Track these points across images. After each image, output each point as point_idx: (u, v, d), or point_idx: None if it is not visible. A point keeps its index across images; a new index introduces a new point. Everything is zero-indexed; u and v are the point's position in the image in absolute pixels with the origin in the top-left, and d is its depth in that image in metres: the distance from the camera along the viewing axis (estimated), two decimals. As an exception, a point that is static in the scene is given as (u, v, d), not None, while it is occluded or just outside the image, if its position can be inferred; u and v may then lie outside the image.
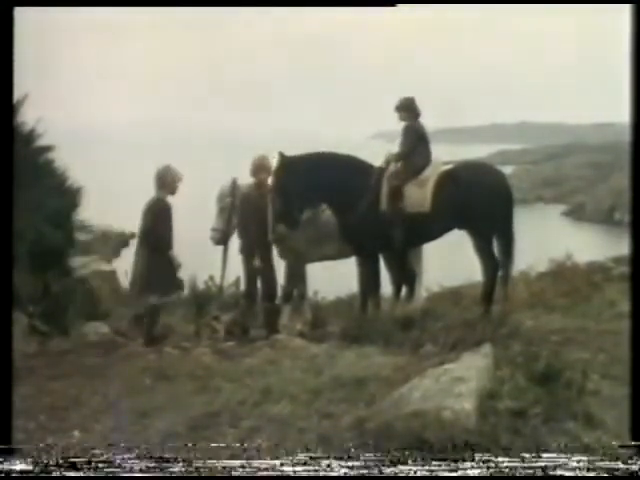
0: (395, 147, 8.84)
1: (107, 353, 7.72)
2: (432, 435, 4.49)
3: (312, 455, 4.39)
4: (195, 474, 4.32)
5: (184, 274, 9.93)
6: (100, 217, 11.56)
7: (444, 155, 9.43)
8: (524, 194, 53.24)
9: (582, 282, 10.37)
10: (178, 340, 8.53)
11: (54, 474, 4.30)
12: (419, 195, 8.40)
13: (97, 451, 4.44)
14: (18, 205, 5.18)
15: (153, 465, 4.34)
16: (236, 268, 9.45)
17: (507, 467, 4.27)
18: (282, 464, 4.34)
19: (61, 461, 4.35)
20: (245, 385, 6.01)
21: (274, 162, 8.64)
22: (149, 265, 8.33)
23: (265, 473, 4.31)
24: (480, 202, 8.37)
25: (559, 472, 4.26)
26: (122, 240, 14.31)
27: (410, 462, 4.30)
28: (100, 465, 4.33)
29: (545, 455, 4.32)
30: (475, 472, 4.25)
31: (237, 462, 4.37)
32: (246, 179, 9.20)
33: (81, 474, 4.30)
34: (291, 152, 8.53)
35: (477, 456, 4.31)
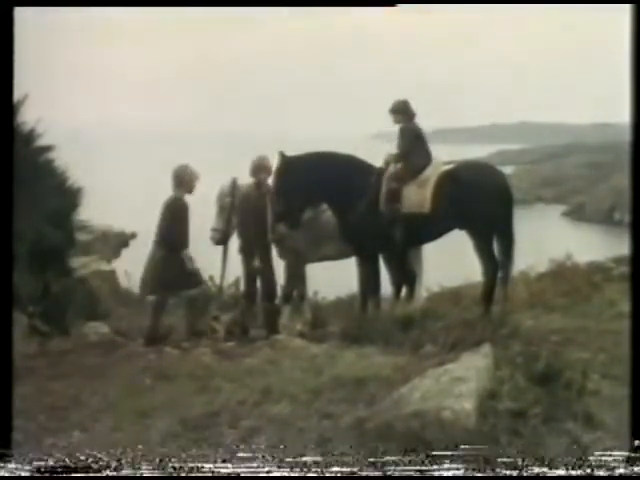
0: (395, 147, 8.85)
1: (107, 353, 7.72)
2: (432, 435, 4.50)
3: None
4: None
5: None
6: (100, 217, 11.56)
7: (444, 155, 9.43)
8: (524, 194, 53.23)
9: (582, 282, 10.37)
10: (178, 340, 8.53)
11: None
12: (419, 195, 8.40)
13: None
14: (18, 205, 5.18)
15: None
16: (236, 268, 9.44)
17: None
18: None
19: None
20: (245, 385, 6.01)
21: (274, 162, 8.65)
22: (165, 264, 8.38)
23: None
24: (480, 202, 8.36)
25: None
26: (122, 240, 14.25)
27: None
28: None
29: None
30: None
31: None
32: (246, 179, 9.19)
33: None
34: (291, 152, 8.54)
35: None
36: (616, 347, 6.49)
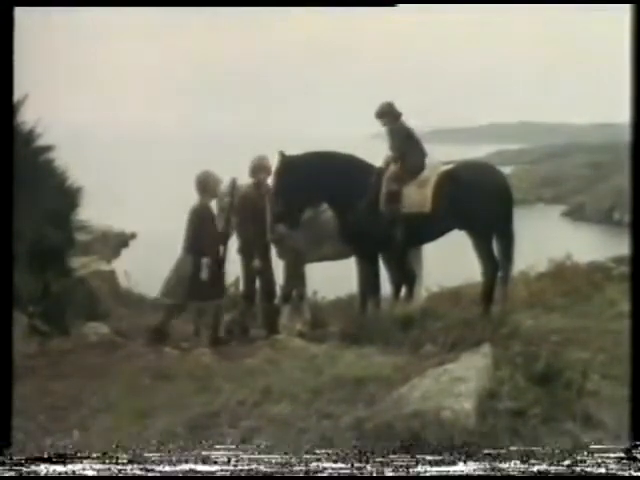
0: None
1: (107, 353, 7.72)
2: (432, 435, 4.50)
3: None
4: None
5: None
6: (100, 217, 11.56)
7: (443, 156, 9.43)
8: (524, 194, 53.19)
9: (582, 282, 10.36)
10: (177, 340, 8.54)
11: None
12: (419, 195, 8.40)
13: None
14: (18, 205, 5.18)
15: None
16: (235, 268, 9.45)
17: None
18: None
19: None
20: (245, 385, 6.01)
21: (274, 162, 8.66)
22: (194, 270, 8.45)
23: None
24: (480, 202, 8.37)
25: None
26: (122, 240, 14.29)
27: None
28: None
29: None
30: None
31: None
32: (245, 179, 9.20)
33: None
34: (291, 152, 8.55)
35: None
36: (616, 347, 6.49)
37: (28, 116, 8.42)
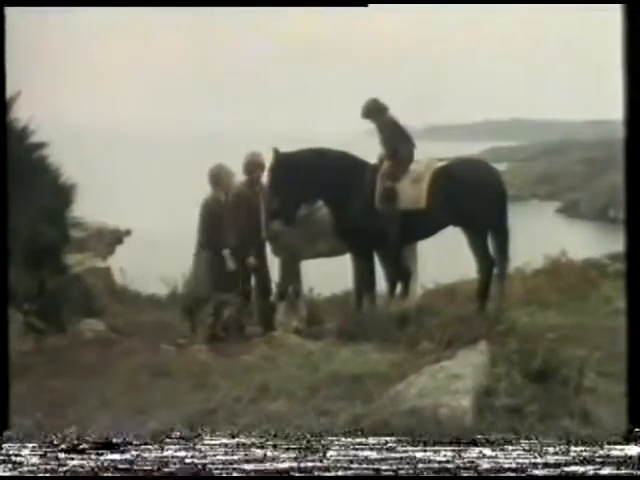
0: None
1: (103, 350, 7.71)
2: (428, 432, 4.50)
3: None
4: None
5: (179, 272, 9.94)
6: (94, 214, 11.54)
7: (438, 153, 9.43)
8: (518, 191, 53.13)
9: (577, 279, 10.37)
10: (174, 337, 8.53)
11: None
12: (414, 192, 8.40)
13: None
14: (12, 202, 5.16)
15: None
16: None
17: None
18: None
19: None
20: (241, 382, 6.00)
21: (267, 159, 8.66)
22: (208, 264, 8.46)
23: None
24: (474, 199, 8.37)
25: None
26: (116, 237, 14.27)
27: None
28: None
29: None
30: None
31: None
32: (239, 176, 9.18)
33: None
34: (285, 148, 8.54)
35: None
36: (612, 344, 6.49)
37: (21, 113, 8.41)
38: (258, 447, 4.38)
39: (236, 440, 4.44)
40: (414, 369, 5.56)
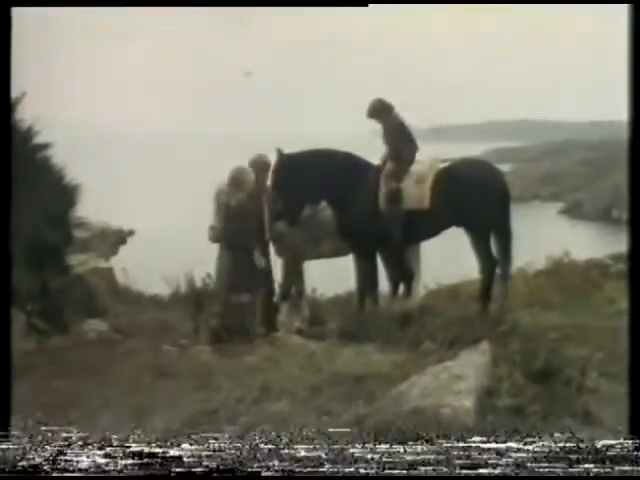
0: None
1: (106, 350, 7.71)
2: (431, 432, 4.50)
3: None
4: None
5: (181, 271, 9.94)
6: (98, 214, 11.55)
7: (441, 153, 9.42)
8: (521, 192, 53.10)
9: (580, 279, 10.36)
10: (176, 337, 8.52)
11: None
12: (418, 192, 8.41)
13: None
14: (16, 203, 5.18)
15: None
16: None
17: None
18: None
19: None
20: (244, 382, 6.01)
21: (272, 160, 8.66)
22: (233, 264, 8.50)
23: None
24: (477, 200, 8.38)
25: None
26: (120, 237, 14.27)
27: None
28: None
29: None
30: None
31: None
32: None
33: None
34: (289, 149, 8.55)
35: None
36: (614, 344, 6.49)
37: (26, 114, 8.42)
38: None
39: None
40: (416, 369, 5.56)
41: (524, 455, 4.23)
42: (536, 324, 7.94)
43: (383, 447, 4.27)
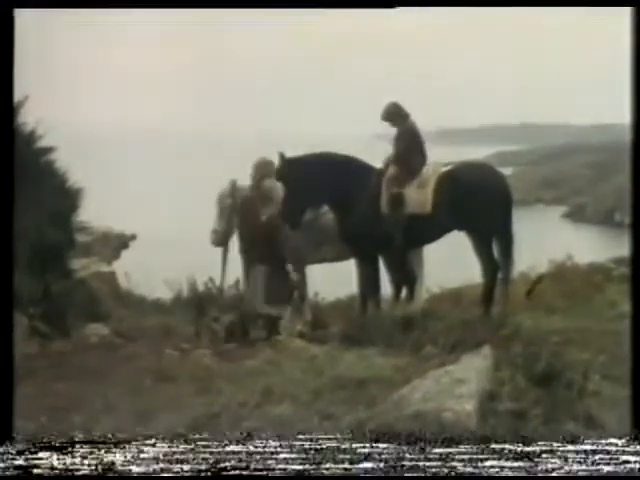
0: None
1: (108, 354, 7.71)
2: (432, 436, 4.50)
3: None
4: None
5: (183, 275, 9.94)
6: (99, 218, 11.55)
7: (445, 157, 9.42)
8: (524, 195, 53.03)
9: (582, 283, 10.35)
10: (178, 341, 8.52)
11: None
12: (420, 196, 8.41)
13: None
14: (19, 206, 5.18)
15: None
16: (236, 269, 9.44)
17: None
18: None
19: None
20: (245, 386, 6.00)
21: (275, 164, 8.67)
22: (267, 279, 8.61)
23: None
24: (479, 203, 8.38)
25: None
26: (122, 242, 14.25)
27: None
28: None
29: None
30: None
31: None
32: (246, 180, 9.19)
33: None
34: (291, 153, 8.56)
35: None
36: (616, 348, 6.48)
37: (29, 117, 8.43)
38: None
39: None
40: (418, 373, 5.55)
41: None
42: (538, 328, 7.93)
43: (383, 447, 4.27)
